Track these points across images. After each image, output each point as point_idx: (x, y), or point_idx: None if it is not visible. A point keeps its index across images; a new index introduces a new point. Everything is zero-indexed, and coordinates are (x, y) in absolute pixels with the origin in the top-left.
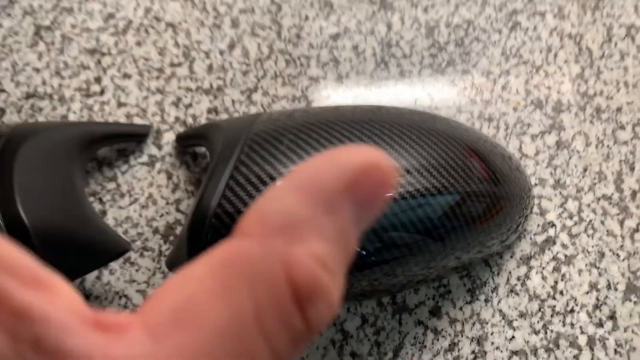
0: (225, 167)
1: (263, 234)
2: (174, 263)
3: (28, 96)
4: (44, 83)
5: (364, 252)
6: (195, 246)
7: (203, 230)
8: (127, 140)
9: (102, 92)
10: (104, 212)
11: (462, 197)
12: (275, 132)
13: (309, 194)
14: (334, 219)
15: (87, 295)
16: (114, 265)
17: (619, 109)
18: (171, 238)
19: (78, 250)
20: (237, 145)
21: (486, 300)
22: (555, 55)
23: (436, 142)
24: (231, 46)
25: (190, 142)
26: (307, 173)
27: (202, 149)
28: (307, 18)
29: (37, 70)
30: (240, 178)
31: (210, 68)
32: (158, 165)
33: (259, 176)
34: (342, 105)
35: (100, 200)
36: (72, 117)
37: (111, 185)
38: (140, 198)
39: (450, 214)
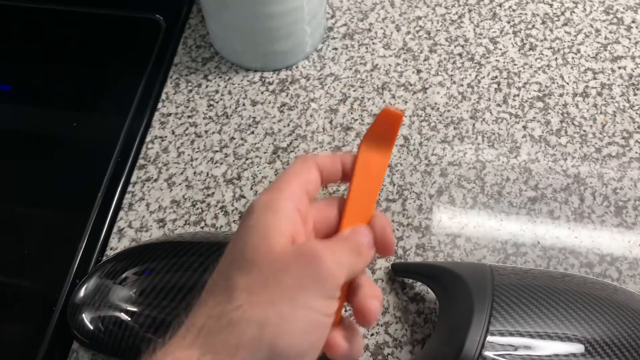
0: (481, 318)
1: None
2: None
3: None
4: None
5: None
6: None
7: None
8: None
9: None
10: None
11: None
12: (516, 290)
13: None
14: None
15: None
16: None
17: None
18: (379, 357)
19: None
20: (486, 298)
21: None
22: None
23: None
24: (439, 192)
25: (408, 275)
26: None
27: (409, 281)
28: (508, 179)
29: None
30: (495, 331)
31: (420, 208)
32: None
33: (510, 331)
34: (555, 272)
35: None
36: None
37: None
38: None
39: None
